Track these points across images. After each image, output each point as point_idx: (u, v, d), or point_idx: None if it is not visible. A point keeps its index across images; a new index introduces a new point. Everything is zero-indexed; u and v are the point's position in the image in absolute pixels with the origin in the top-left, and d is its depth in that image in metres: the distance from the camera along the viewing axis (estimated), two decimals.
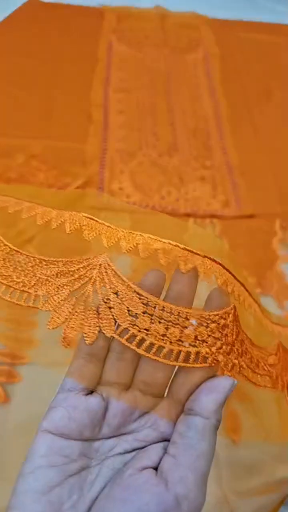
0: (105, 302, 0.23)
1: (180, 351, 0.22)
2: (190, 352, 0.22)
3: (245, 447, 0.40)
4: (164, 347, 0.22)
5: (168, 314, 0.22)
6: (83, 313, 0.23)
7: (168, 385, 0.24)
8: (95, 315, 0.23)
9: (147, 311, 0.22)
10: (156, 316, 0.22)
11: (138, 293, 0.22)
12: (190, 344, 0.22)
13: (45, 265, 0.24)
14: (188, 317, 0.22)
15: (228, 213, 0.61)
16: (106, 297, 0.23)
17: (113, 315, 0.22)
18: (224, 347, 0.23)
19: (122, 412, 0.23)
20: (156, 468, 0.22)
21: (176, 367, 0.23)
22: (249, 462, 0.40)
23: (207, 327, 0.22)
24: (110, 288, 0.23)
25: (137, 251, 0.23)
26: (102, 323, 0.22)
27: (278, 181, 0.65)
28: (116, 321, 0.22)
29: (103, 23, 0.88)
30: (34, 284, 0.23)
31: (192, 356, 0.22)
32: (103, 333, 0.22)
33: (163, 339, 0.22)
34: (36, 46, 0.82)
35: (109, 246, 0.23)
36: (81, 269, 0.23)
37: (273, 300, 0.53)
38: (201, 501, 0.21)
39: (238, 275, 0.24)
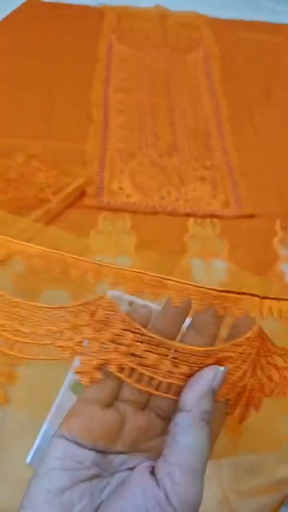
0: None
1: None
2: None
3: (246, 447, 0.40)
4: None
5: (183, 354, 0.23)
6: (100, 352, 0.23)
7: None
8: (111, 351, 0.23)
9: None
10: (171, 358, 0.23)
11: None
12: None
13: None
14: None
15: (228, 213, 0.60)
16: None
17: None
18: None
19: (138, 430, 0.23)
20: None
21: None
22: (250, 462, 0.40)
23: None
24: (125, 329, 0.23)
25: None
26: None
27: (278, 181, 0.65)
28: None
29: (103, 22, 0.87)
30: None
31: None
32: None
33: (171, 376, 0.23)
34: (36, 46, 0.81)
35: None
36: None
37: None
38: (194, 495, 0.20)
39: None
